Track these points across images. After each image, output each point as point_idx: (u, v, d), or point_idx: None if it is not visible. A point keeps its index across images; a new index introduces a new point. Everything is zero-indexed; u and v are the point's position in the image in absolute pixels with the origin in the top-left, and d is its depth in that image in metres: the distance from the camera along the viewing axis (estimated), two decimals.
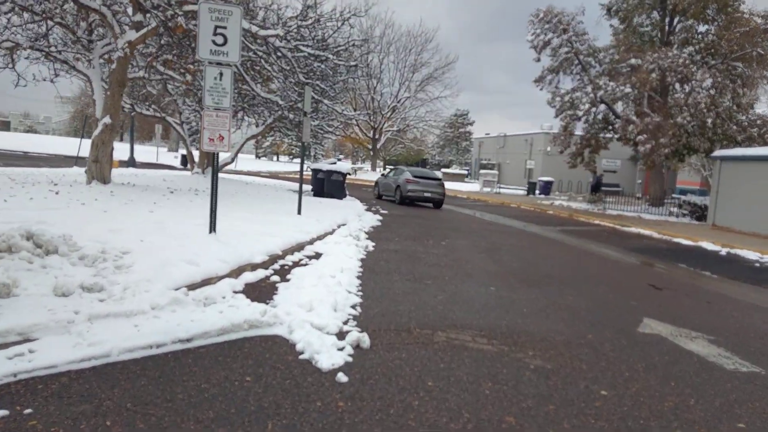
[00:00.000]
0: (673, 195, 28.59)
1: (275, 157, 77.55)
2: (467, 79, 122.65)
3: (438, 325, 5.24)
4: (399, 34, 49.51)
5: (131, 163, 27.87)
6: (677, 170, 30.11)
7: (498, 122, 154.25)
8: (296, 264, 7.20)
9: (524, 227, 16.29)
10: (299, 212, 10.71)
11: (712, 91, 20.43)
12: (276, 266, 6.95)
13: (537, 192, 34.14)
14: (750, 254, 13.17)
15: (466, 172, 53.24)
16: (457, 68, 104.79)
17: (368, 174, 45.74)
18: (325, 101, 13.74)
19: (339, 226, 10.88)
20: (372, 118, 46.35)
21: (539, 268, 9.03)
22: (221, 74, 6.95)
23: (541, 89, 24.22)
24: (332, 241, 9.00)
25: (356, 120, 46.23)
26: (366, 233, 11.16)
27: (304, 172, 11.92)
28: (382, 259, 8.35)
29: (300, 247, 8.09)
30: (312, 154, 56.17)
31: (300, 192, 10.71)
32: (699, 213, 21.19)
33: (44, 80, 13.31)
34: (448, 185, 40.58)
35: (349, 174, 18.37)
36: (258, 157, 75.95)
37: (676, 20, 21.95)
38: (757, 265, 11.88)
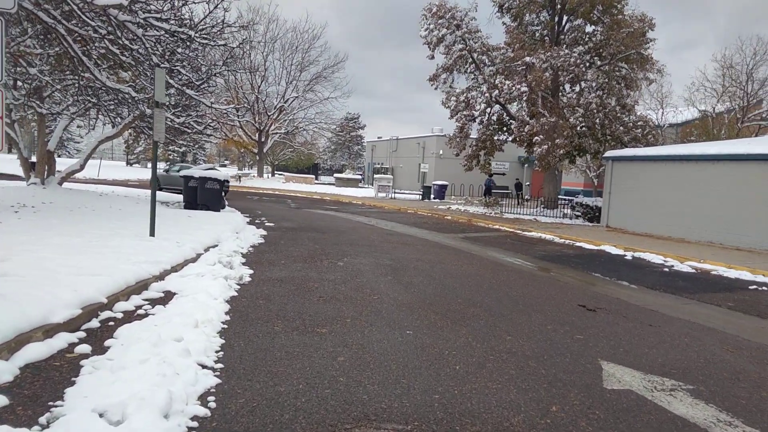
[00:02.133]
0: (560, 196, 29.11)
1: (149, 165, 70.99)
2: (356, 83, 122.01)
3: (342, 421, 3.34)
4: (285, 30, 47.06)
5: None
6: (565, 172, 30.87)
7: (388, 127, 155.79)
8: (128, 317, 4.92)
9: (426, 236, 14.92)
10: (152, 233, 8.25)
11: (600, 92, 20.62)
12: (93, 324, 4.63)
13: (432, 196, 33.48)
14: (654, 258, 12.75)
15: (360, 177, 51.87)
16: (346, 69, 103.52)
17: (255, 181, 42.69)
18: (189, 91, 11.22)
19: (207, 249, 8.60)
20: (257, 119, 43.36)
21: (457, 293, 7.46)
22: None
23: (435, 88, 23.26)
24: (194, 272, 6.75)
25: (238, 120, 43.00)
26: (244, 255, 8.98)
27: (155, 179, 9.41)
28: (260, 296, 6.27)
29: (142, 287, 5.78)
30: (187, 159, 51.76)
31: (153, 205, 8.25)
32: (591, 214, 21.29)
33: None
34: (343, 191, 39.02)
35: (228, 181, 15.88)
36: (130, 164, 68.98)
37: (565, 19, 21.99)
38: (666, 270, 11.35)
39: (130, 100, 12.43)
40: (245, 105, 40.81)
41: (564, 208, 23.49)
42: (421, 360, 4.57)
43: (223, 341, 4.55)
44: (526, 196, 35.46)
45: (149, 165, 70.84)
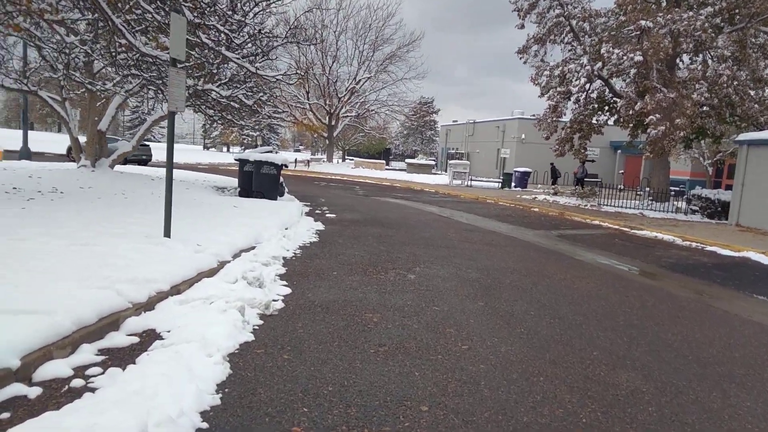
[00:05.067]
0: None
1: (225, 148, 71.72)
2: (429, 65, 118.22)
3: None
4: (358, 7, 44.98)
5: (25, 154, 22.63)
6: (672, 158, 26.83)
7: (460, 113, 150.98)
8: (40, 402, 2.84)
9: (513, 233, 12.30)
10: (167, 233, 6.29)
11: (730, 63, 16.84)
12: None
13: (513, 184, 30.38)
14: None
15: (433, 162, 49.18)
16: (421, 48, 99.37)
17: (324, 166, 41.21)
18: (227, 52, 9.13)
19: (238, 254, 6.54)
20: (327, 101, 41.72)
21: (586, 335, 4.95)
22: None
23: (524, 62, 20.23)
24: (202, 295, 4.68)
25: (308, 103, 41.56)
26: (285, 262, 6.87)
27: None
28: (287, 344, 4.08)
29: (108, 325, 3.74)
30: (259, 143, 51.23)
31: (168, 196, 6.26)
32: (712, 209, 17.67)
33: None
34: (414, 178, 36.62)
35: (286, 165, 13.97)
36: (206, 147, 70.09)
37: None
38: None
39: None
40: (320, 88, 39.19)
41: (676, 200, 19.89)
42: None
43: None
44: (620, 186, 31.48)
45: (225, 149, 71.73)
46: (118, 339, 3.64)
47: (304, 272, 6.51)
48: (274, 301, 5.03)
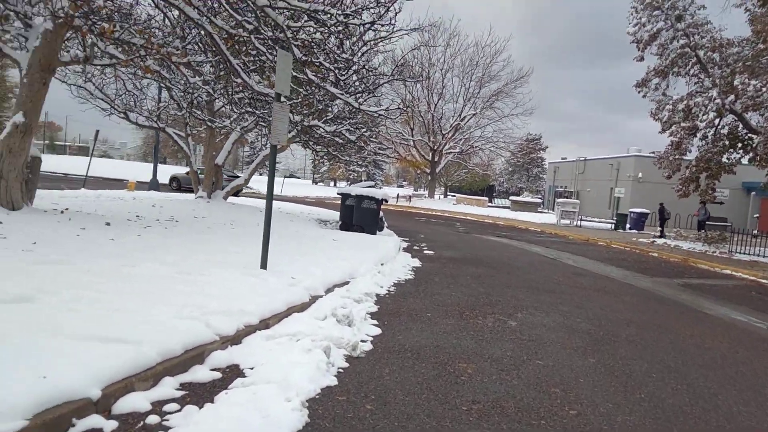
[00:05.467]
0: None
1: (332, 183, 74.47)
2: (536, 102, 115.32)
3: None
4: (465, 45, 45.21)
5: (154, 185, 24.86)
6: None
7: (568, 150, 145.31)
8: None
9: (629, 279, 11.16)
10: (263, 264, 6.32)
11: None
12: None
13: (628, 226, 28.20)
14: None
15: (539, 200, 47.35)
16: (531, 83, 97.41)
17: (425, 201, 41.18)
18: (331, 88, 9.25)
19: (331, 289, 6.42)
20: (431, 138, 41.95)
21: (725, 412, 4.13)
22: None
23: (643, 96, 18.90)
24: (289, 331, 4.54)
25: (412, 139, 41.99)
26: (378, 300, 6.63)
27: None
28: (372, 392, 3.76)
29: (192, 359, 3.67)
30: (363, 179, 52.46)
31: (266, 230, 6.32)
32: None
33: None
34: (519, 216, 35.34)
35: (386, 200, 13.97)
36: (315, 182, 73.22)
37: None
38: None
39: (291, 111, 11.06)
40: (426, 131, 39.58)
41: None
42: None
43: None
44: (754, 231, 28.03)
45: (332, 184, 74.56)
46: (200, 374, 3.55)
47: (397, 311, 6.22)
48: (362, 341, 4.77)
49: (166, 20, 10.88)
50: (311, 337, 4.42)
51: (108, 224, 8.73)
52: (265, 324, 4.68)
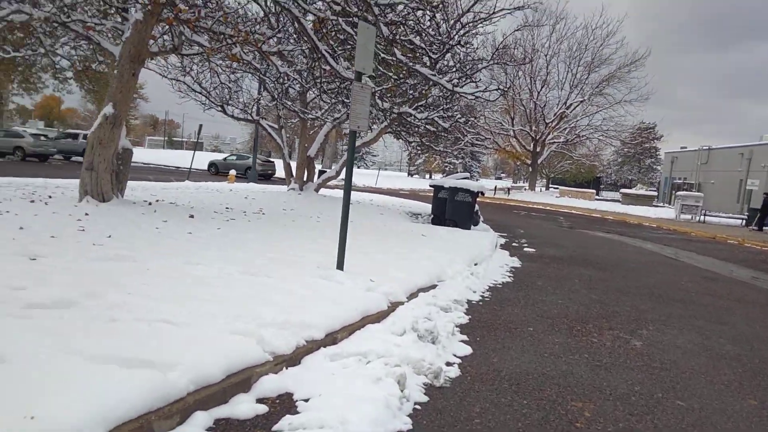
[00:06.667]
0: None
1: (428, 175, 73.50)
2: (652, 88, 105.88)
3: None
4: (573, 28, 42.24)
5: (252, 177, 25.50)
6: None
7: (686, 140, 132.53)
8: None
9: None
10: (340, 265, 5.63)
11: None
12: None
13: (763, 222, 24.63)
14: None
15: (654, 193, 43.22)
16: (647, 66, 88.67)
17: (526, 194, 39.05)
18: (422, 69, 8.33)
19: (415, 294, 5.59)
20: (533, 127, 39.64)
21: None
22: None
23: None
24: (359, 349, 3.78)
25: (512, 129, 39.89)
26: (469, 308, 5.71)
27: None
28: None
29: (236, 386, 3.01)
30: (459, 170, 50.98)
31: (344, 224, 5.61)
32: None
33: None
34: (630, 210, 32.32)
35: (483, 192, 12.93)
36: (410, 174, 72.74)
37: None
38: None
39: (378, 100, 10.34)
40: (521, 111, 37.52)
41: None
42: None
43: None
44: None
45: (427, 176, 73.69)
46: (242, 407, 2.87)
47: (492, 324, 5.26)
48: (448, 365, 3.91)
49: (255, 8, 10.61)
50: (384, 359, 3.63)
51: (192, 216, 8.55)
52: (332, 339, 3.96)
